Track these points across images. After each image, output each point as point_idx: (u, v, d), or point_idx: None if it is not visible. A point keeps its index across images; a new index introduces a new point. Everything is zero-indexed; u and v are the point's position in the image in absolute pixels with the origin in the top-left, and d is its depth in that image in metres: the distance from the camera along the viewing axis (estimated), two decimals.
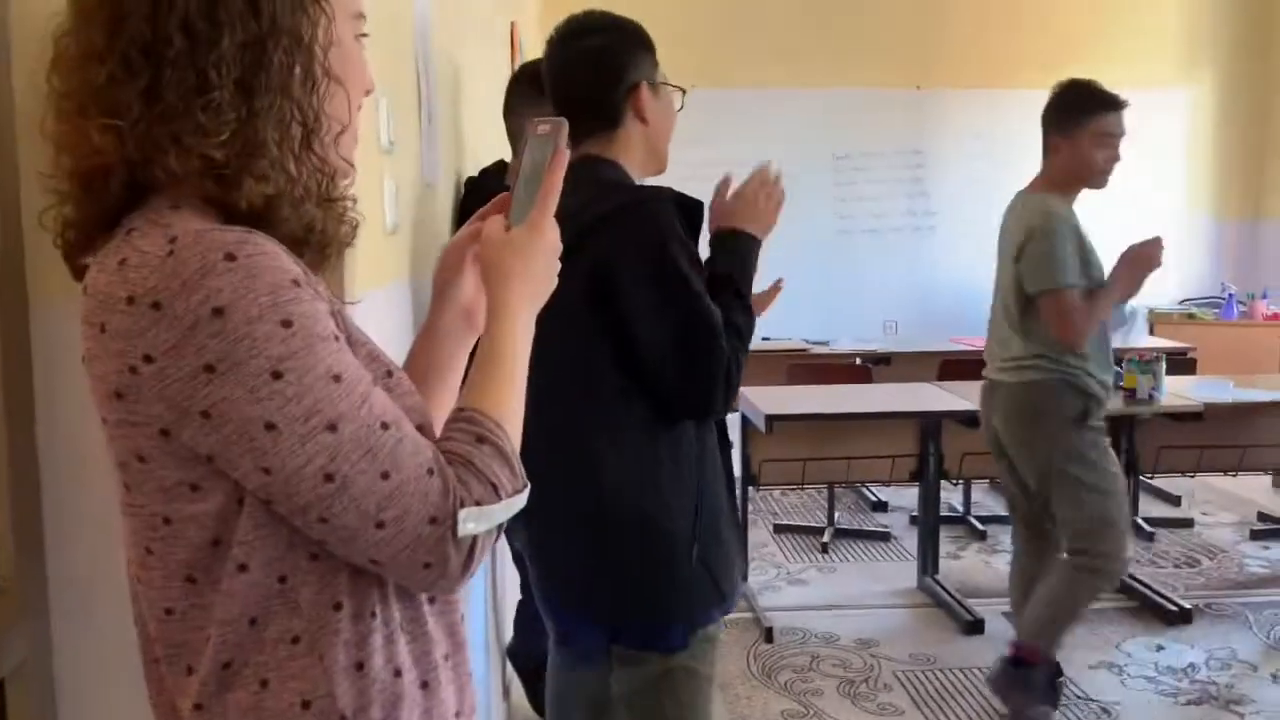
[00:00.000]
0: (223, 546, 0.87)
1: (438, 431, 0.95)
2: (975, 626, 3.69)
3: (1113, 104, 2.87)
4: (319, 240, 0.94)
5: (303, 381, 0.82)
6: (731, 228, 1.75)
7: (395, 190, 1.68)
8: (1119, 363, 3.93)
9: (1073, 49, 6.39)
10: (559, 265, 1.06)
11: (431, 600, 0.99)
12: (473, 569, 0.92)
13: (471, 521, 0.89)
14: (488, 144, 2.73)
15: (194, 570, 0.88)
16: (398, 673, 0.93)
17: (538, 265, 1.03)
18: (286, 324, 0.82)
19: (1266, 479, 5.15)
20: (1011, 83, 6.20)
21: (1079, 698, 3.19)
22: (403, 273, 1.78)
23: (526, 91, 2.27)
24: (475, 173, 2.50)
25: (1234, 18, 7.05)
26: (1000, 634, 3.65)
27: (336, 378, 0.84)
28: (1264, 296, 6.30)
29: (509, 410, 0.97)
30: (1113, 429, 3.87)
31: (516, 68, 3.12)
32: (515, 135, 2.38)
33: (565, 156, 1.04)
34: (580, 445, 1.67)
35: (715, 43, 6.21)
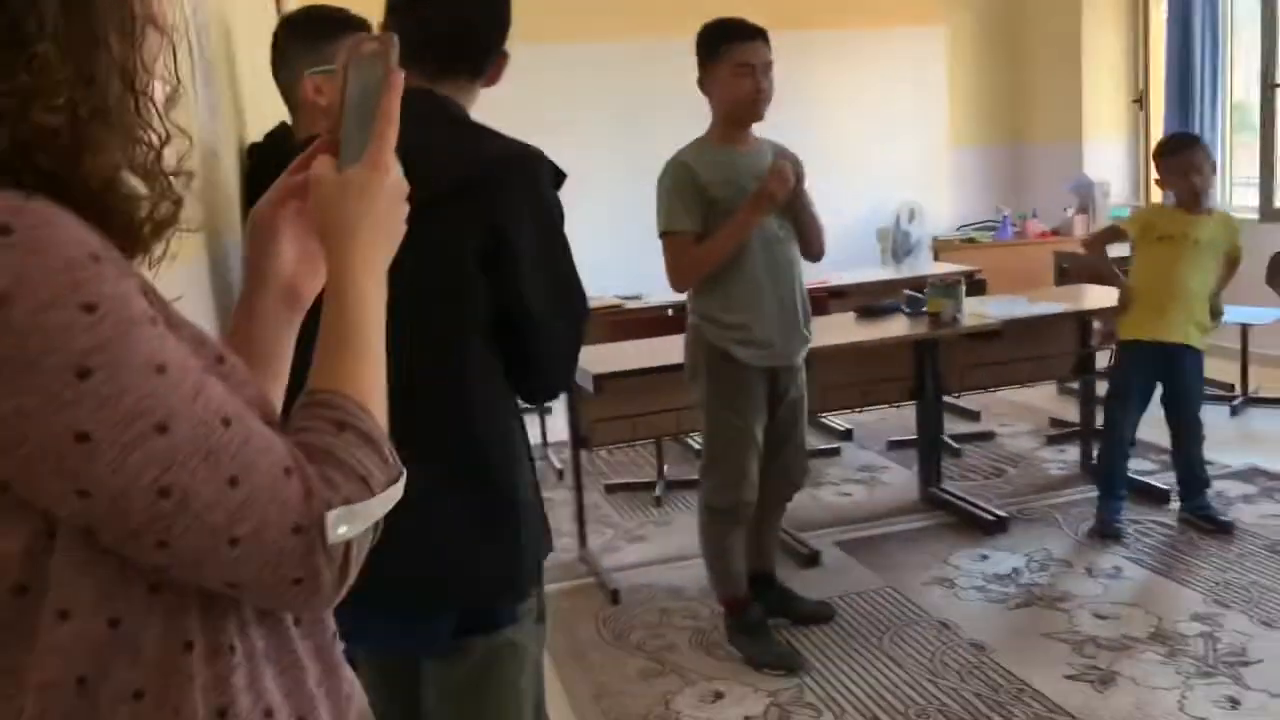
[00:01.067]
0: (33, 594, 0.69)
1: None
2: (811, 559, 3.75)
3: (744, 33, 2.82)
4: (141, 221, 0.77)
5: (118, 377, 0.66)
6: None
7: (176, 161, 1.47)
8: (919, 289, 4.09)
9: None
10: (407, 208, 0.92)
11: (297, 621, 0.85)
12: (349, 579, 0.78)
13: (343, 524, 0.75)
14: (265, 111, 2.48)
15: None
16: (269, 713, 0.78)
17: (383, 209, 0.87)
18: (89, 308, 0.65)
19: (1052, 387, 5.50)
20: (796, 24, 6.29)
21: (916, 615, 3.29)
22: (196, 256, 1.57)
23: (303, 38, 2.05)
24: (259, 139, 2.27)
25: None
26: (836, 564, 3.74)
27: (160, 368, 0.68)
28: (1034, 216, 6.72)
29: (369, 386, 0.83)
30: (917, 352, 4.05)
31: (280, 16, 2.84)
32: (290, 91, 2.15)
33: (400, 78, 0.90)
34: (447, 417, 1.51)
35: None
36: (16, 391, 0.63)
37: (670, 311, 4.96)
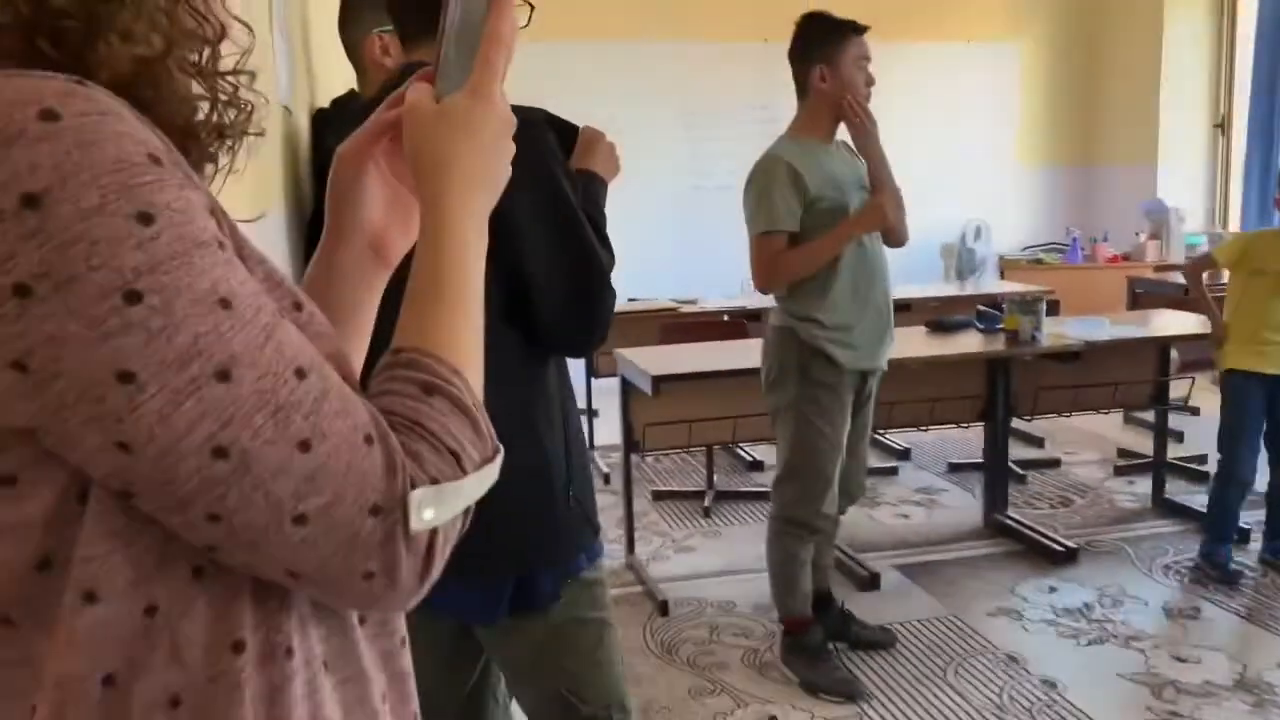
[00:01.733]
0: (56, 569, 0.57)
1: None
2: (871, 582, 3.59)
3: (860, 27, 2.79)
4: (203, 127, 0.65)
5: (173, 307, 0.53)
6: (584, 168, 1.64)
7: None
8: (997, 306, 3.92)
9: (914, 3, 6.42)
10: (513, 148, 0.78)
11: (362, 620, 0.72)
12: (432, 576, 0.65)
13: (429, 508, 0.62)
14: (333, 73, 2.38)
15: (10, 608, 0.58)
16: None
17: (487, 144, 0.74)
18: (145, 218, 0.53)
19: (1118, 416, 5.29)
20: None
21: (982, 647, 3.12)
22: (273, 206, 1.45)
23: None
24: (326, 104, 2.16)
25: None
26: (896, 588, 3.57)
27: (225, 302, 0.55)
28: (1104, 239, 6.49)
29: (465, 347, 0.69)
30: (990, 371, 3.87)
31: None
32: (356, 50, 2.04)
33: (513, 3, 0.77)
34: None
35: None
36: (51, 313, 0.51)
37: (726, 316, 4.83)
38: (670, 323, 4.46)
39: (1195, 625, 3.23)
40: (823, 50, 2.78)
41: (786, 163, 2.75)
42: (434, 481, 0.62)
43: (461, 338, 0.69)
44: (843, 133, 2.87)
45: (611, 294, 1.52)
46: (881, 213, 2.74)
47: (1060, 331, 3.79)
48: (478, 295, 0.72)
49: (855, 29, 2.79)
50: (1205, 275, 3.67)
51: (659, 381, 3.30)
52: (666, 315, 4.72)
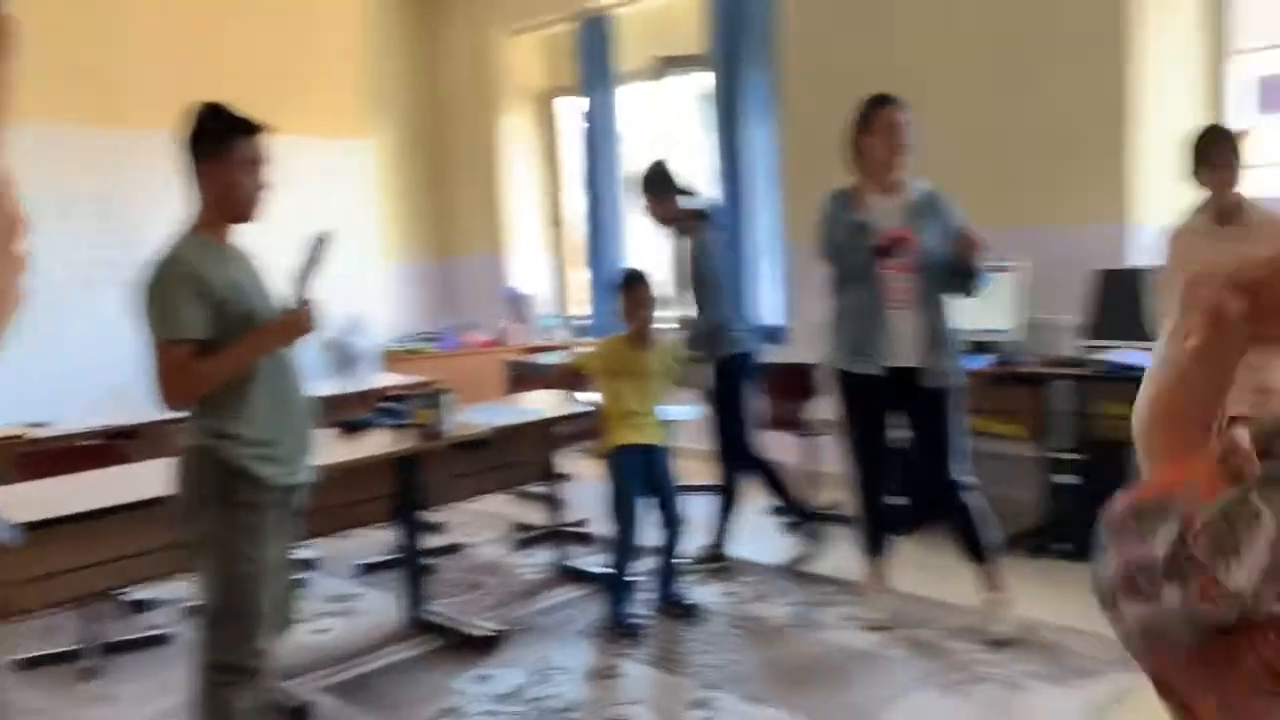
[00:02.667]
0: None
1: None
2: (300, 713, 3.29)
3: (250, 128, 2.58)
4: None
5: None
6: None
7: None
8: (391, 399, 3.89)
9: (262, 96, 6.28)
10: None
11: None
12: None
13: None
14: None
15: None
16: None
17: None
18: None
19: (505, 494, 5.57)
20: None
21: None
22: None
23: None
24: None
25: (403, 77, 7.59)
26: (331, 714, 3.32)
27: None
28: (475, 326, 6.87)
29: None
30: (402, 467, 3.83)
31: None
32: None
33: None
34: None
35: None
36: None
37: (96, 441, 4.19)
38: (27, 452, 3.73)
39: (618, 684, 3.46)
40: (212, 148, 2.55)
41: (190, 262, 2.46)
42: None
43: None
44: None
45: None
46: (304, 326, 2.58)
47: (465, 420, 3.87)
48: None
49: (245, 129, 2.59)
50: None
51: (34, 528, 2.71)
52: (17, 442, 3.96)
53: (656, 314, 3.93)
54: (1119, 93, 4.44)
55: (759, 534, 5.00)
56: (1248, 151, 3.33)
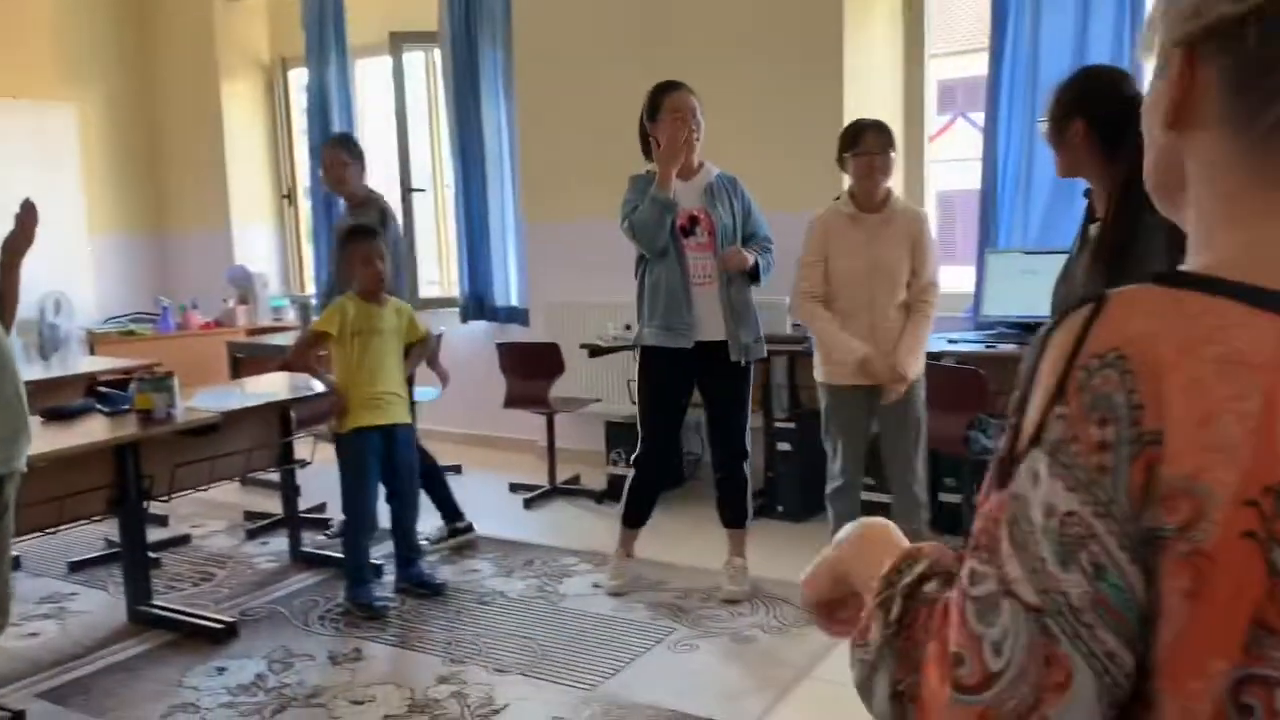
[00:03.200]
0: None
1: None
2: None
3: None
4: None
5: None
6: None
7: None
8: (114, 385, 3.65)
9: None
10: None
11: None
12: None
13: None
14: None
15: None
16: None
17: None
18: None
19: (234, 482, 5.33)
20: None
21: None
22: None
23: None
24: None
25: (110, 37, 7.05)
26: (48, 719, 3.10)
27: None
28: (194, 306, 6.49)
29: None
30: (118, 455, 3.60)
31: None
32: None
33: None
34: None
35: None
36: None
37: None
38: None
39: (362, 666, 3.43)
40: None
41: None
42: None
43: None
44: None
45: None
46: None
47: (192, 405, 3.69)
48: None
49: None
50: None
51: None
52: None
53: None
54: (838, 92, 4.78)
55: (500, 510, 5.07)
56: (895, 145, 3.65)
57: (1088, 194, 2.34)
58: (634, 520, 4.01)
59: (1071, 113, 2.22)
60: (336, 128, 6.62)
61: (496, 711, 3.09)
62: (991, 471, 0.67)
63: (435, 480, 4.55)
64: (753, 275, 3.77)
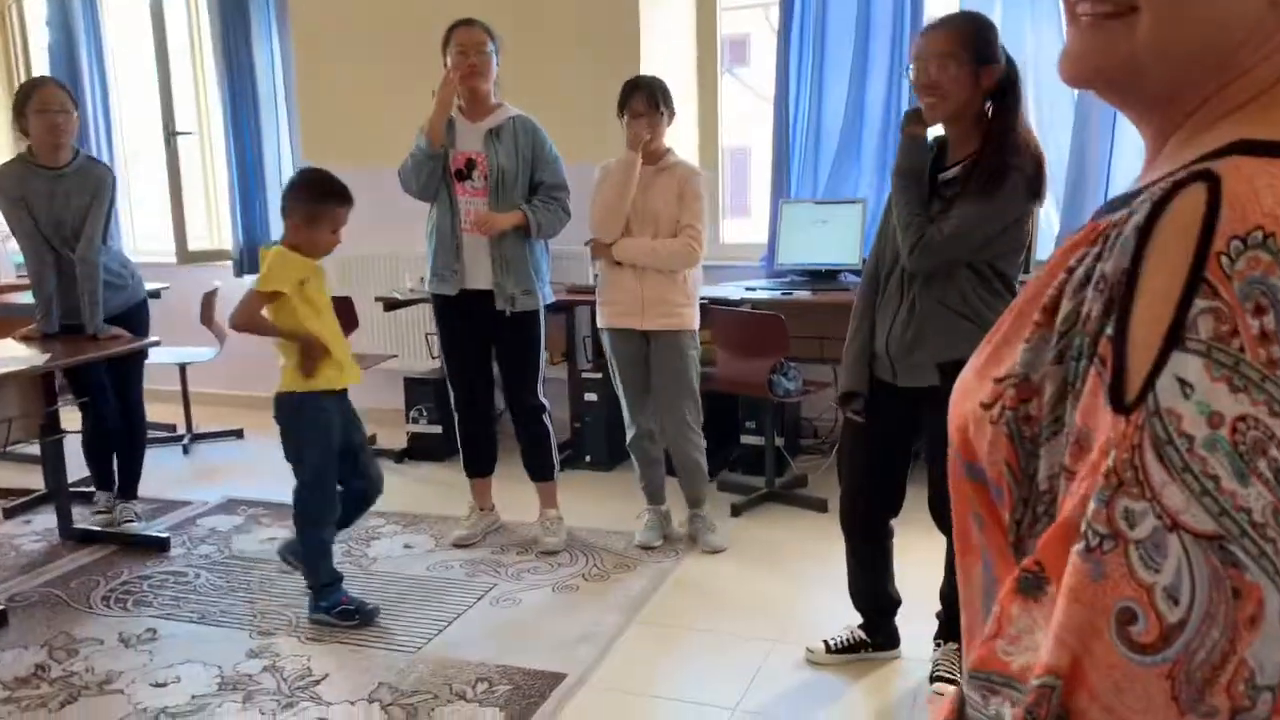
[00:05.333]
0: None
1: None
2: None
3: None
4: None
5: None
6: None
7: None
8: None
9: None
10: None
11: None
12: None
13: None
14: None
15: None
16: None
17: None
18: None
19: None
20: None
21: None
22: None
23: None
24: None
25: None
26: None
27: None
28: None
29: None
30: None
31: None
32: None
33: None
34: None
35: None
36: None
37: None
38: None
39: (158, 646, 3.18)
40: None
41: None
42: None
43: None
44: None
45: None
46: None
47: None
48: None
49: None
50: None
51: None
52: None
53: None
54: (635, 44, 4.76)
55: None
56: (669, 102, 3.69)
57: (940, 141, 2.51)
58: (471, 470, 3.97)
59: (992, 58, 2.37)
60: (85, 68, 6.02)
61: (317, 682, 2.95)
62: (1082, 402, 0.59)
63: (138, 449, 4.25)
64: (527, 230, 3.65)
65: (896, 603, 2.98)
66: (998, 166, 2.41)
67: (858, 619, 3.00)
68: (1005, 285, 2.57)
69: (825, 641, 3.00)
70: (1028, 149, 2.43)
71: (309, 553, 3.33)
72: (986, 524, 0.71)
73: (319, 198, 3.20)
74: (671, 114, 3.65)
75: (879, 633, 2.99)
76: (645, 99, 3.57)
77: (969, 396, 0.71)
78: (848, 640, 3.00)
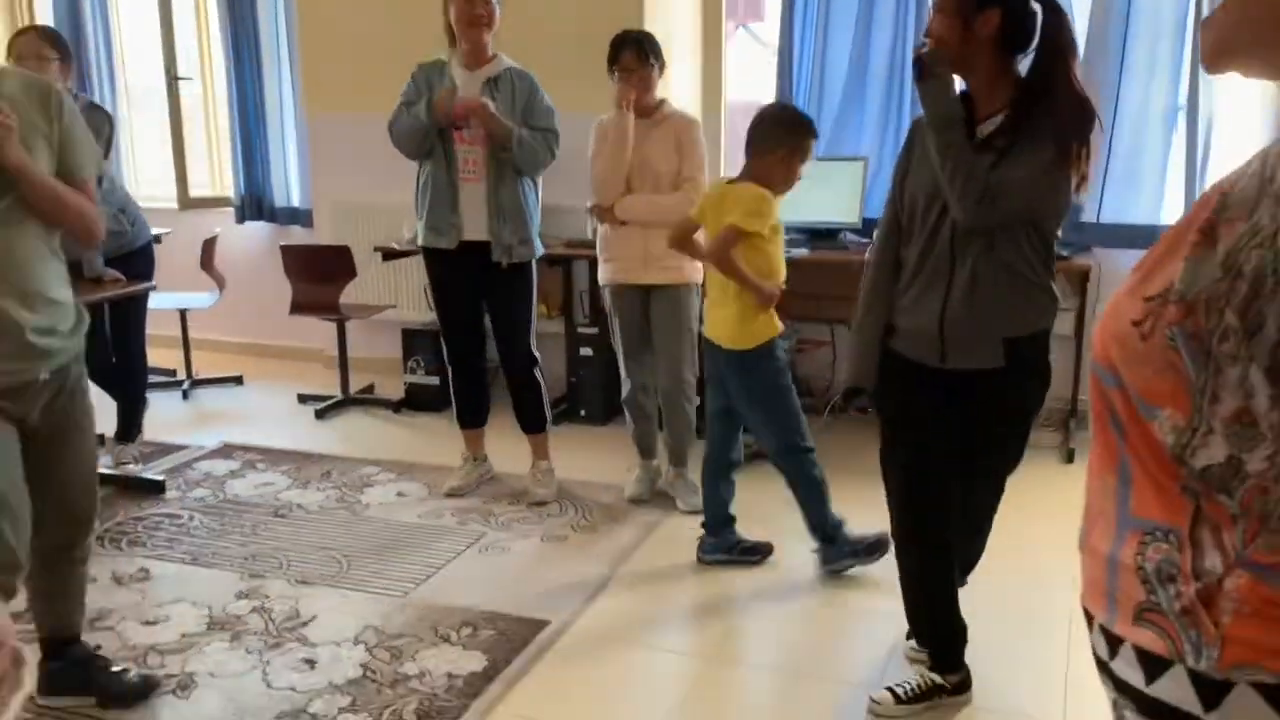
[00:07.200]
0: None
1: None
2: None
3: None
4: None
5: None
6: None
7: None
8: None
9: None
10: None
11: None
12: None
13: None
14: None
15: None
16: None
17: None
18: None
19: None
20: None
21: None
22: None
23: None
24: None
25: None
26: None
27: None
28: None
29: None
30: None
31: None
32: None
33: None
34: None
35: None
36: None
37: None
38: None
39: (150, 586, 3.23)
40: None
41: None
42: None
43: None
44: None
45: None
46: None
47: None
48: None
49: None
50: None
51: None
52: None
53: None
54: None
55: (289, 421, 4.86)
56: (659, 57, 3.65)
57: (965, 96, 2.32)
58: (464, 421, 4.02)
59: (986, 3, 2.23)
60: (87, 11, 5.98)
61: (304, 623, 2.99)
62: None
63: (139, 394, 4.29)
64: (511, 149, 3.57)
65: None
66: (1050, 117, 2.22)
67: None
68: (1051, 252, 2.34)
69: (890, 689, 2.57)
70: (1077, 102, 2.22)
71: (806, 482, 3.20)
72: (1129, 433, 0.84)
73: (804, 132, 3.10)
74: (662, 66, 3.63)
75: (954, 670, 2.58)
76: (634, 54, 3.55)
77: (1119, 316, 0.82)
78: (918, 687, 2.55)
